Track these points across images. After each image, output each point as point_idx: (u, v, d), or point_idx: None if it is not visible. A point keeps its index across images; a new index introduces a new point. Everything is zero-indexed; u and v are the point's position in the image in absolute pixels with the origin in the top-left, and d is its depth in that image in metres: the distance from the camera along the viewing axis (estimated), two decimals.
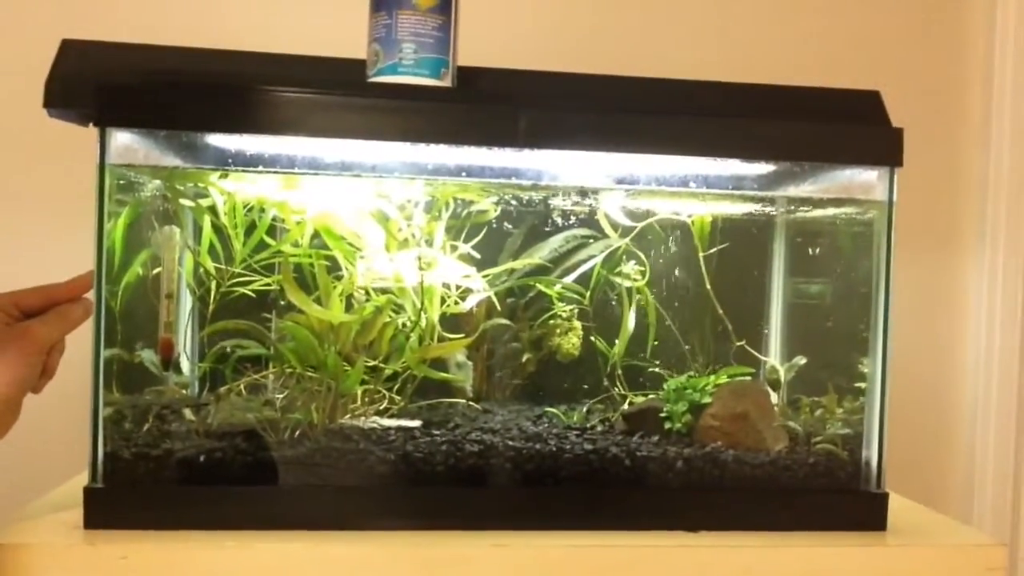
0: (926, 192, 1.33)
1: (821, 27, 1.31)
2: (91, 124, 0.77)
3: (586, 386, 1.01)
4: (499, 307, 0.99)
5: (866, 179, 0.87)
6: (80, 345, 0.78)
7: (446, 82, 0.83)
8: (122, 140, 0.77)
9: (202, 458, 0.78)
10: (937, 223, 1.35)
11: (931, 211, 1.34)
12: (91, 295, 0.76)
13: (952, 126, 1.35)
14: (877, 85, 0.94)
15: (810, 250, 1.03)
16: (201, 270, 0.89)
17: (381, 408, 0.90)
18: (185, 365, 0.93)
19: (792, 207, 1.00)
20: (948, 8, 1.35)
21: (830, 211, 0.96)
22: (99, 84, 0.75)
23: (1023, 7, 1.31)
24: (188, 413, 0.83)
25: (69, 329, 0.76)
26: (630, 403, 0.98)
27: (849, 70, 1.30)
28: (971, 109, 1.35)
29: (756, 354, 1.02)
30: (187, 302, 0.92)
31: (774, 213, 1.02)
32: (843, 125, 0.85)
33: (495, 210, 0.95)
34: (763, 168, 0.88)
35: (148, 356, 0.84)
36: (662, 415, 0.91)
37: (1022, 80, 1.31)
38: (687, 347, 1.01)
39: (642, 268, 1.01)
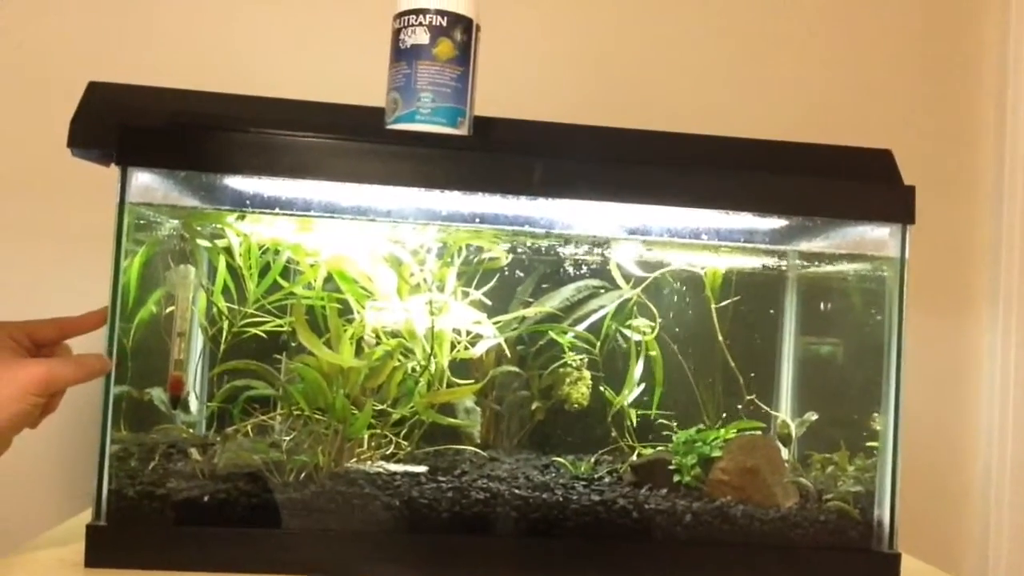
0: (939, 255, 1.33)
1: (836, 87, 1.33)
2: (112, 164, 0.79)
3: (595, 436, 1.00)
4: (509, 354, 0.99)
5: (878, 236, 0.87)
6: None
7: (463, 131, 0.85)
8: (142, 180, 0.78)
9: (206, 498, 0.77)
10: (950, 285, 1.34)
11: (944, 273, 1.34)
12: (105, 330, 0.76)
13: (964, 190, 1.35)
14: (889, 146, 0.95)
15: (823, 305, 1.03)
16: (214, 310, 0.89)
17: (388, 453, 0.89)
18: (194, 404, 0.92)
19: (805, 262, 1.00)
20: (960, 71, 1.36)
21: (843, 267, 0.96)
22: (122, 125, 0.77)
23: None
24: (194, 453, 0.83)
25: (84, 378, 0.73)
26: (639, 455, 0.97)
27: (862, 130, 1.31)
28: (983, 173, 1.35)
29: (767, 408, 1.01)
30: (198, 341, 0.92)
31: (787, 268, 1.02)
32: (856, 182, 0.86)
33: (507, 257, 0.96)
34: (776, 223, 0.88)
35: (157, 394, 0.84)
36: (671, 468, 0.90)
37: None
38: (698, 399, 1.00)
39: (652, 324, 1.01)
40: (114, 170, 0.78)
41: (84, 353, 0.75)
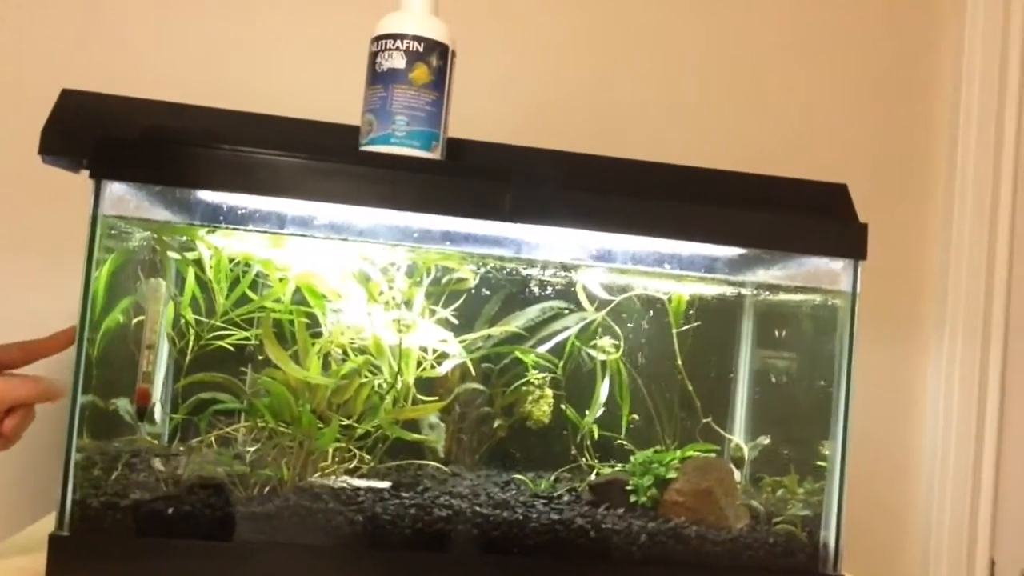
0: (889, 285, 1.38)
1: (795, 122, 1.37)
2: (84, 172, 0.79)
3: (555, 454, 1.02)
4: (474, 372, 1.01)
5: (832, 269, 0.91)
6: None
7: (436, 154, 0.86)
8: (114, 191, 0.79)
9: (170, 510, 0.78)
10: (899, 314, 1.39)
11: (893, 303, 1.39)
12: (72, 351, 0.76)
13: (915, 223, 1.41)
14: (845, 179, 0.99)
15: (777, 333, 1.06)
16: (182, 321, 0.90)
17: (351, 467, 0.91)
18: (159, 415, 0.93)
19: (762, 292, 1.03)
20: (914, 106, 1.41)
21: (798, 297, 1.00)
22: (98, 137, 0.77)
23: (985, 107, 1.38)
24: (159, 464, 0.83)
25: (39, 395, 0.75)
26: (597, 474, 1.00)
27: (819, 164, 1.35)
28: (934, 207, 1.41)
29: (721, 432, 1.04)
30: (165, 352, 0.92)
31: (744, 296, 1.05)
32: (811, 217, 0.89)
33: (474, 277, 0.98)
34: (735, 252, 0.91)
35: (123, 405, 0.84)
36: (628, 488, 0.92)
37: (983, 179, 1.37)
38: (656, 421, 1.03)
39: (616, 343, 1.03)
40: (84, 179, 0.78)
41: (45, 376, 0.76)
